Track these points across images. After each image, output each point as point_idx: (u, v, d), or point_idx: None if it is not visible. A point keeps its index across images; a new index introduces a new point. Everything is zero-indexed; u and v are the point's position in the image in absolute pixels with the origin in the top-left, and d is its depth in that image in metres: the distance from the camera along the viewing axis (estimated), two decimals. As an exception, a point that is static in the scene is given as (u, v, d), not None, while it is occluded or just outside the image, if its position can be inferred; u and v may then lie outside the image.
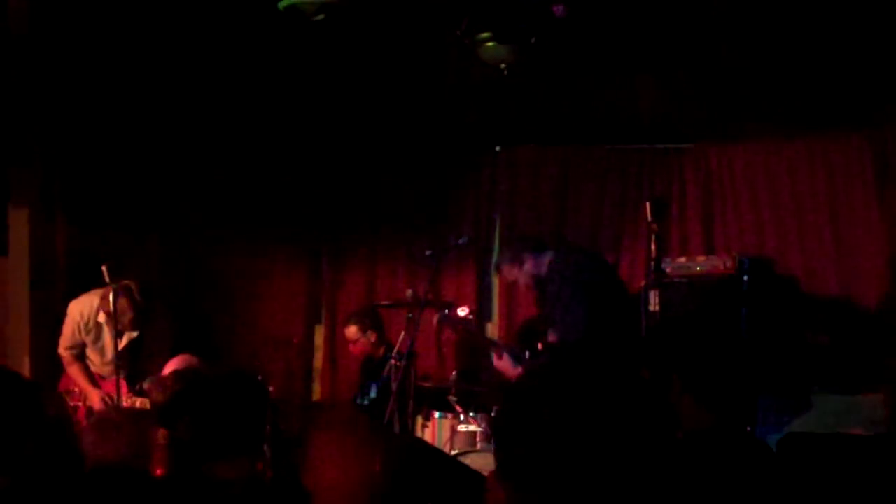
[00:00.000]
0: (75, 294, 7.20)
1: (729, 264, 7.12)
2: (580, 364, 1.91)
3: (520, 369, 6.67)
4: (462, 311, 7.16)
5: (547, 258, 6.83)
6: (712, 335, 5.07)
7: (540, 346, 6.70)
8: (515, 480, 1.87)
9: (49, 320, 7.43)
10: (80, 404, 6.98)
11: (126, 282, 6.74)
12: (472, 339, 7.97)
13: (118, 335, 6.77)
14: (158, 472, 3.97)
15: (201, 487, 3.52)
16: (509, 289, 8.45)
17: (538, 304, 7.16)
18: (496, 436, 1.99)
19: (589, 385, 1.86)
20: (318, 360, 8.93)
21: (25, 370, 7.35)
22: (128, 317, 6.80)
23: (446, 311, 7.05)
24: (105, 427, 4.07)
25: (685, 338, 5.15)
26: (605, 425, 1.83)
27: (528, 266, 6.84)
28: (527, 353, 6.74)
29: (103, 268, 6.42)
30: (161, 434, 4.41)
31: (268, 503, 3.36)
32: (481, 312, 8.50)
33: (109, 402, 6.76)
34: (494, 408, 6.85)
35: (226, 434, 3.58)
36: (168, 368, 5.97)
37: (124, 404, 6.56)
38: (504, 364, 6.76)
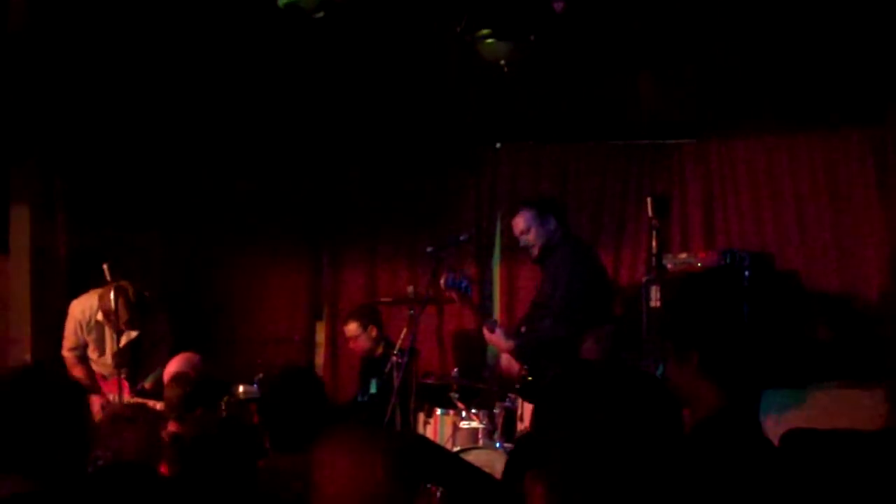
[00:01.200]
0: (76, 292, 7.20)
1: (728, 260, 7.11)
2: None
3: (511, 343, 6.67)
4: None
5: (562, 232, 6.80)
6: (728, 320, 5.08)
7: (523, 328, 6.68)
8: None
9: (50, 319, 7.43)
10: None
11: (122, 282, 6.74)
12: (469, 306, 7.77)
13: (118, 334, 6.78)
14: (163, 469, 3.99)
15: (262, 478, 3.58)
16: (510, 286, 8.46)
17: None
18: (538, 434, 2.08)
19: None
20: (320, 357, 8.94)
21: (26, 368, 7.35)
22: (123, 318, 6.81)
23: (452, 274, 6.94)
24: (119, 422, 4.09)
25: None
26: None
27: (551, 227, 6.77)
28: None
29: (104, 266, 6.43)
30: (166, 433, 4.43)
31: None
32: (482, 309, 8.51)
33: (108, 409, 6.76)
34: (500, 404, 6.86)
35: (293, 427, 3.66)
36: (170, 367, 5.99)
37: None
38: (496, 338, 6.76)
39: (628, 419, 2.17)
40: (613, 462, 1.99)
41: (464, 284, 6.86)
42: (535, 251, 6.86)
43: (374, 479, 2.83)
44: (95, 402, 6.95)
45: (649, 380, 2.37)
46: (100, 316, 6.92)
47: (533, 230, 6.83)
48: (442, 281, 6.88)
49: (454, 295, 6.95)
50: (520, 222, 6.89)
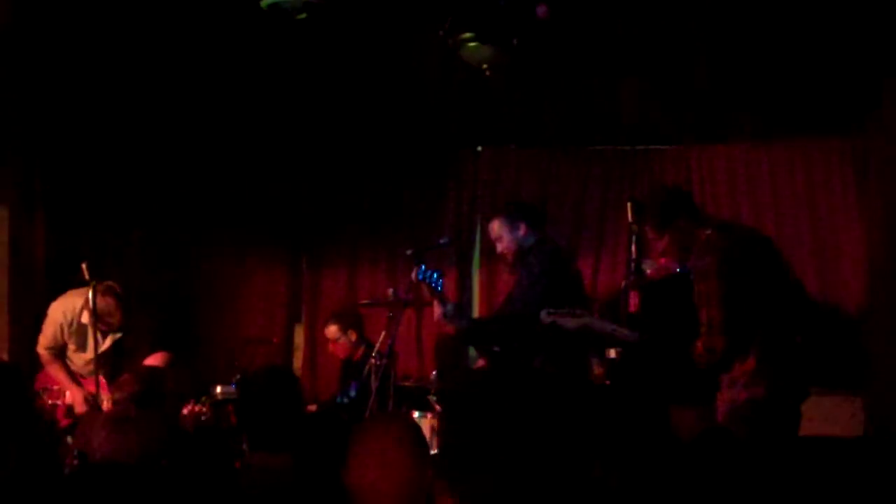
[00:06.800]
0: (55, 292, 7.15)
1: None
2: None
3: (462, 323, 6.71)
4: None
5: (536, 236, 6.76)
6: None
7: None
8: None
9: (28, 318, 7.39)
10: (59, 402, 6.94)
11: (109, 283, 6.71)
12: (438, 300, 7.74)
13: (103, 335, 6.74)
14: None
15: (240, 476, 3.58)
16: (489, 290, 8.46)
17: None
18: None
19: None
20: (298, 360, 8.93)
21: (3, 368, 7.31)
22: (116, 317, 6.77)
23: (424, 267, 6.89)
24: (119, 422, 4.07)
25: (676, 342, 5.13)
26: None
27: (520, 233, 6.74)
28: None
29: (83, 265, 6.39)
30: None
31: (303, 496, 3.41)
32: (461, 311, 8.50)
33: (91, 401, 6.72)
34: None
35: (269, 425, 3.67)
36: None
37: (105, 404, 6.53)
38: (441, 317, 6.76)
39: (548, 433, 2.04)
40: (529, 482, 1.91)
41: (435, 277, 6.80)
42: (509, 257, 6.84)
43: (421, 476, 2.82)
44: (78, 395, 6.91)
45: (580, 391, 2.23)
46: (85, 318, 6.86)
47: (504, 237, 6.78)
48: (413, 273, 6.82)
49: (424, 287, 6.91)
50: (492, 229, 6.85)
